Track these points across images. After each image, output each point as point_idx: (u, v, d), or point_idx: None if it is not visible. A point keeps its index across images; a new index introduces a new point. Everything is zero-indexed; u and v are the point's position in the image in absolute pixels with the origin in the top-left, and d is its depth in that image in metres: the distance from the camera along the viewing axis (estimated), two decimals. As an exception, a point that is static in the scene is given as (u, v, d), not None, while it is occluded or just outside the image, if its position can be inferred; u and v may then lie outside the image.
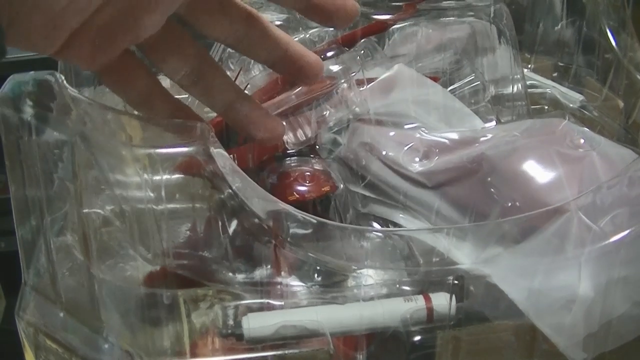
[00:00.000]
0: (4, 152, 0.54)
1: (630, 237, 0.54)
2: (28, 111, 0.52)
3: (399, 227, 0.68)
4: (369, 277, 0.58)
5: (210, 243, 0.57)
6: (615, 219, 0.55)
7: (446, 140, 0.68)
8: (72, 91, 0.54)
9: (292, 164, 0.69)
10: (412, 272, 0.59)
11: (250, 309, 0.57)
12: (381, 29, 0.84)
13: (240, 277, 0.58)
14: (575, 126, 0.65)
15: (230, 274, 0.58)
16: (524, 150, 0.63)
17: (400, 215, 0.69)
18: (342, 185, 0.68)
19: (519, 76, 0.86)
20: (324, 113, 0.72)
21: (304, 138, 0.71)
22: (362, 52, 0.79)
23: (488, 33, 0.86)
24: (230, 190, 0.55)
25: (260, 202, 0.56)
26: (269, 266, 0.58)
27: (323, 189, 0.66)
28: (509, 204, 0.61)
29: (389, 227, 0.69)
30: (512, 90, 0.85)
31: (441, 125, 0.74)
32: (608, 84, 0.89)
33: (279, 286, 0.58)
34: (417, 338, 0.58)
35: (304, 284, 0.59)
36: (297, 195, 0.65)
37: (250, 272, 0.58)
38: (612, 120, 0.87)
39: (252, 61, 0.83)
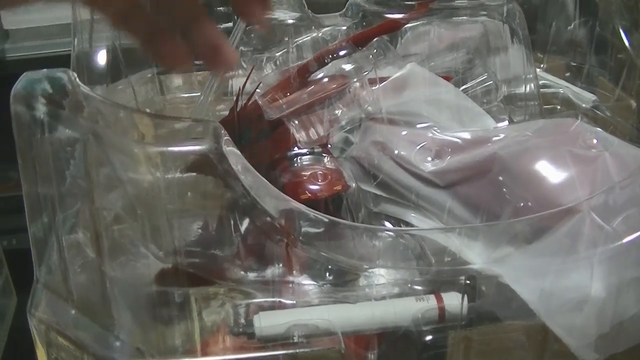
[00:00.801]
0: (17, 150, 0.54)
1: (642, 238, 0.54)
2: (41, 109, 0.52)
3: (411, 226, 0.68)
4: (381, 276, 0.58)
5: (222, 241, 0.57)
6: (628, 219, 0.55)
7: (458, 140, 0.68)
8: (85, 89, 0.54)
9: (304, 163, 0.69)
10: (423, 272, 0.59)
11: (261, 308, 0.57)
12: (394, 28, 0.84)
13: (251, 275, 0.58)
14: (588, 126, 0.65)
15: (242, 273, 0.58)
16: (536, 150, 0.62)
17: (412, 214, 0.69)
18: (354, 184, 0.68)
19: (531, 76, 0.86)
20: (336, 112, 0.72)
21: (316, 137, 0.71)
22: (375, 51, 0.79)
23: (501, 32, 0.86)
24: (242, 189, 0.55)
25: (273, 200, 0.56)
26: (280, 265, 0.58)
27: (335, 188, 0.66)
28: (521, 204, 0.61)
29: (400, 226, 0.69)
30: (525, 90, 0.85)
31: (453, 124, 0.74)
32: (621, 84, 0.89)
33: (290, 285, 0.58)
34: (429, 338, 0.58)
35: (315, 283, 0.59)
36: (309, 194, 0.65)
37: (262, 270, 0.58)
38: (625, 121, 0.87)
39: (265, 60, 0.83)
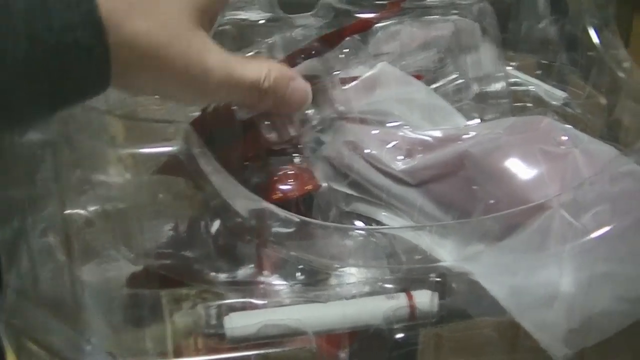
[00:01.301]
0: (-14, 153, 0.54)
1: (612, 233, 0.54)
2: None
3: (382, 225, 0.68)
4: (352, 275, 0.58)
5: (193, 243, 0.57)
6: (597, 215, 0.55)
7: (429, 138, 0.68)
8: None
9: (276, 163, 0.69)
10: (394, 270, 0.59)
11: (232, 309, 0.57)
12: (365, 27, 0.84)
13: (222, 276, 0.58)
14: (558, 124, 0.65)
15: (213, 274, 0.57)
16: (507, 148, 0.63)
17: (383, 213, 0.69)
18: (325, 184, 0.68)
19: (502, 74, 0.86)
20: (308, 112, 0.72)
21: (288, 137, 0.71)
22: (346, 50, 0.79)
23: (472, 31, 0.86)
24: (212, 190, 0.55)
25: (243, 201, 0.56)
26: (251, 265, 0.57)
27: (306, 188, 0.66)
28: (492, 201, 0.61)
29: (371, 225, 0.69)
30: (496, 88, 0.85)
31: (424, 123, 0.74)
32: (591, 82, 0.90)
33: (261, 285, 0.58)
34: (400, 335, 0.58)
35: (286, 283, 0.58)
36: (280, 194, 0.65)
37: (233, 271, 0.58)
38: (595, 118, 0.87)
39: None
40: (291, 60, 0.74)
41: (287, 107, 0.64)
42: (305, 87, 0.64)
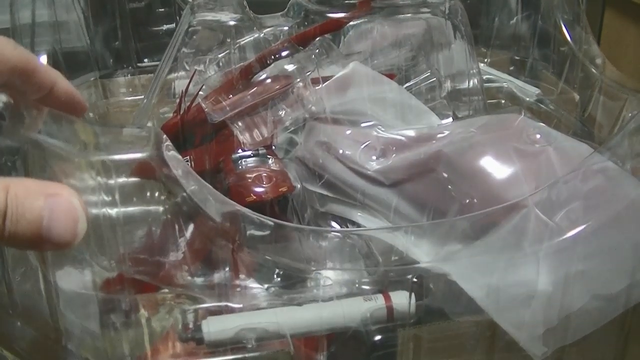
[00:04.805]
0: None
1: (586, 231, 0.54)
2: (-20, 119, 0.51)
3: (358, 226, 0.68)
4: (328, 277, 0.58)
5: (167, 247, 0.57)
6: (570, 213, 0.55)
7: (403, 138, 0.68)
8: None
9: (249, 165, 0.69)
10: (371, 272, 0.59)
11: (209, 312, 0.57)
12: (336, 27, 0.84)
13: (198, 280, 0.57)
14: (531, 121, 0.66)
15: (189, 278, 0.57)
16: (480, 147, 0.63)
17: (359, 214, 0.69)
18: (299, 185, 0.68)
19: (474, 71, 0.86)
20: (280, 113, 0.72)
21: (261, 138, 0.71)
22: (317, 50, 0.78)
23: (443, 29, 0.87)
24: (184, 194, 0.54)
25: (216, 204, 0.56)
26: (227, 269, 0.57)
27: (280, 190, 0.66)
28: (467, 201, 0.61)
29: (347, 226, 0.69)
30: (469, 85, 0.86)
31: (398, 122, 0.74)
32: (563, 78, 0.90)
33: (237, 289, 0.58)
34: (378, 337, 0.58)
35: (263, 286, 0.58)
36: (254, 197, 0.64)
37: (209, 275, 0.57)
38: (568, 114, 0.88)
39: (207, 62, 0.82)
40: (262, 61, 0.74)
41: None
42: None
